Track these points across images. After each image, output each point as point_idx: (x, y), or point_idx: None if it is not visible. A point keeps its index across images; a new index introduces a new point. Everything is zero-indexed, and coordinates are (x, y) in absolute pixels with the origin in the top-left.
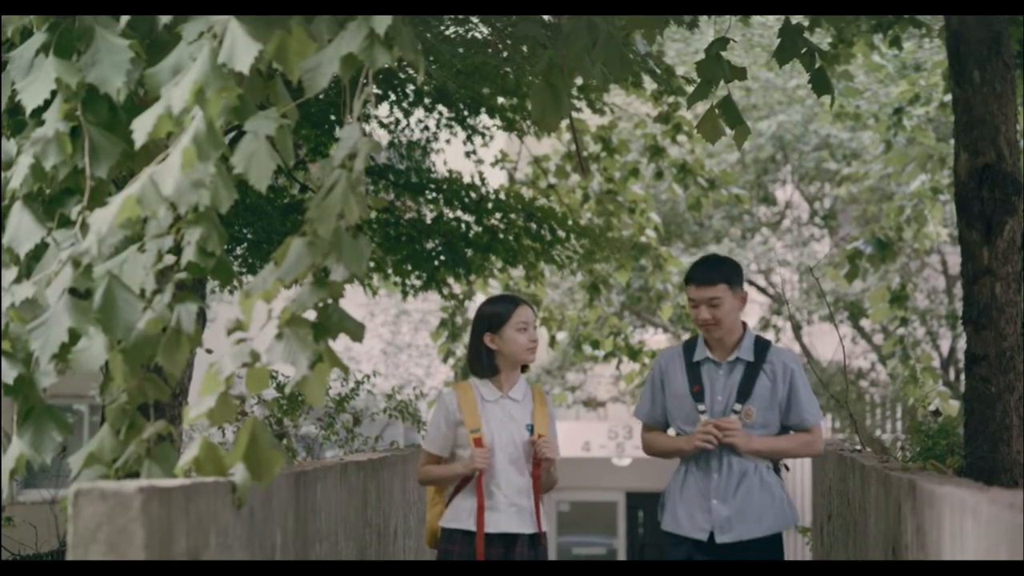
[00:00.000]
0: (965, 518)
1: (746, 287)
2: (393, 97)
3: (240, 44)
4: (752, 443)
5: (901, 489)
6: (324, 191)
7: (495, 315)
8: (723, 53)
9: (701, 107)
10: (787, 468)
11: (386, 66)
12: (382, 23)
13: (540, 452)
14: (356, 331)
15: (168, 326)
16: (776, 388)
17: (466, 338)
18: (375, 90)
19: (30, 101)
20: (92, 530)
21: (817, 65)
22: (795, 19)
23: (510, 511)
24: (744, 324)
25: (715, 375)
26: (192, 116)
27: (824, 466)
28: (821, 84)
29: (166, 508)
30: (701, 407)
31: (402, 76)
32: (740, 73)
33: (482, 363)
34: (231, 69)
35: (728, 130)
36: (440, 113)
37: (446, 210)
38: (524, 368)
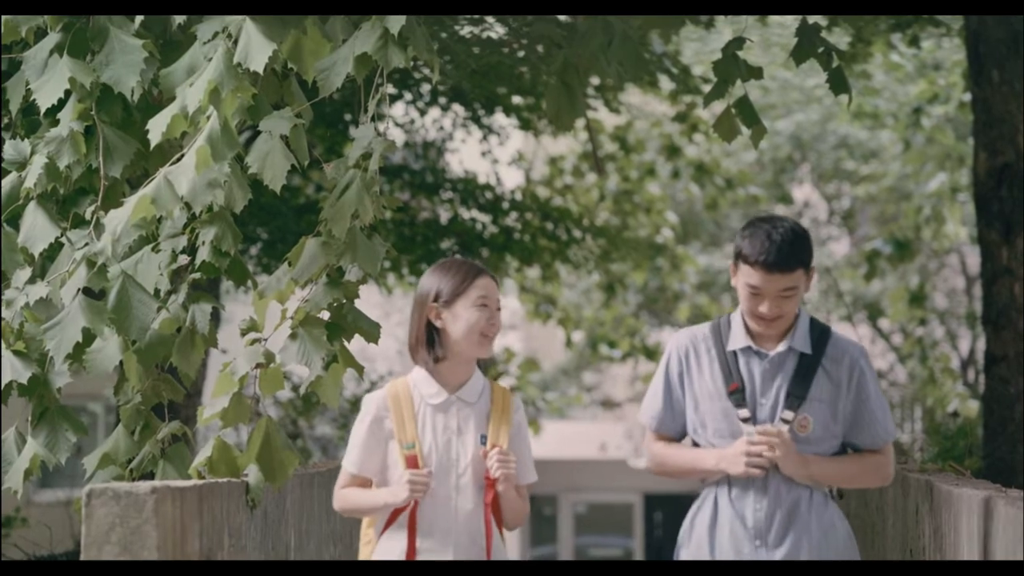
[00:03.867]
0: (983, 519)
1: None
2: (409, 97)
3: (255, 44)
4: (809, 466)
5: (919, 490)
6: (338, 191)
7: (446, 283)
8: (740, 53)
9: (718, 106)
10: (841, 496)
11: (400, 66)
12: (396, 23)
13: (491, 469)
14: (371, 331)
15: (183, 326)
16: (841, 392)
17: None
18: (391, 90)
19: (44, 101)
20: (105, 531)
21: (835, 65)
22: (813, 19)
23: (454, 556)
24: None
25: (758, 370)
26: (207, 116)
27: None
28: (838, 84)
29: (179, 509)
30: (743, 413)
31: (417, 76)
32: (757, 72)
33: (422, 345)
34: (246, 69)
35: (745, 130)
36: (456, 113)
37: (462, 210)
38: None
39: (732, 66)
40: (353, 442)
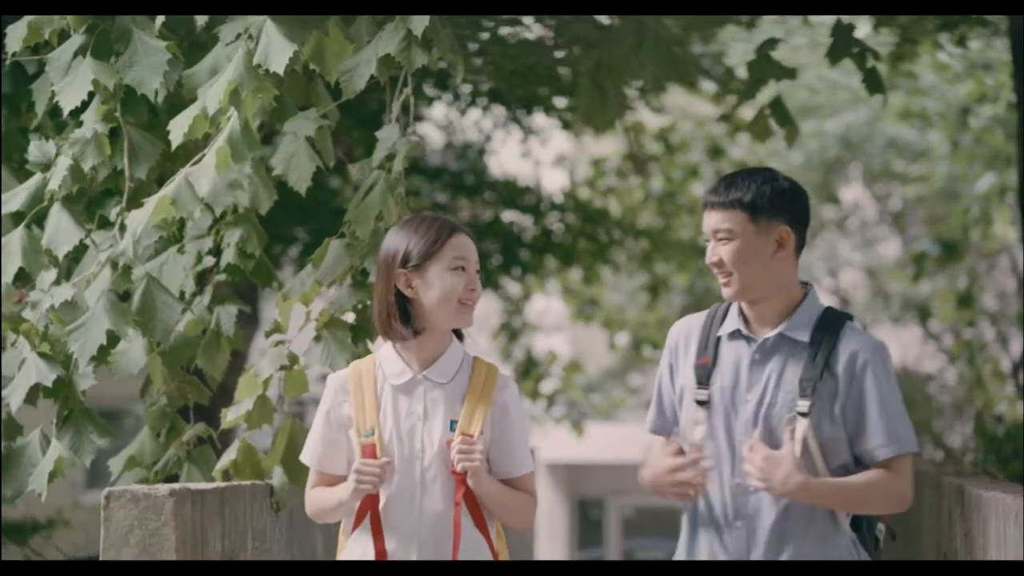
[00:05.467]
0: (1008, 523)
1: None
2: (451, 98)
3: (275, 45)
4: (809, 489)
5: (951, 494)
6: (362, 192)
7: (415, 244)
8: (774, 54)
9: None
10: (893, 535)
11: (429, 67)
12: (420, 24)
13: (455, 460)
14: None
15: (208, 328)
16: (839, 391)
17: (525, 339)
18: (429, 91)
19: (67, 103)
20: (124, 533)
21: (869, 65)
22: (848, 19)
23: (419, 560)
24: (807, 286)
25: (746, 359)
26: (227, 117)
27: None
28: (873, 84)
29: (199, 511)
30: (701, 394)
31: (457, 78)
32: (790, 73)
33: (395, 318)
34: (267, 70)
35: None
36: (495, 114)
37: (503, 211)
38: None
39: (765, 67)
40: (311, 434)
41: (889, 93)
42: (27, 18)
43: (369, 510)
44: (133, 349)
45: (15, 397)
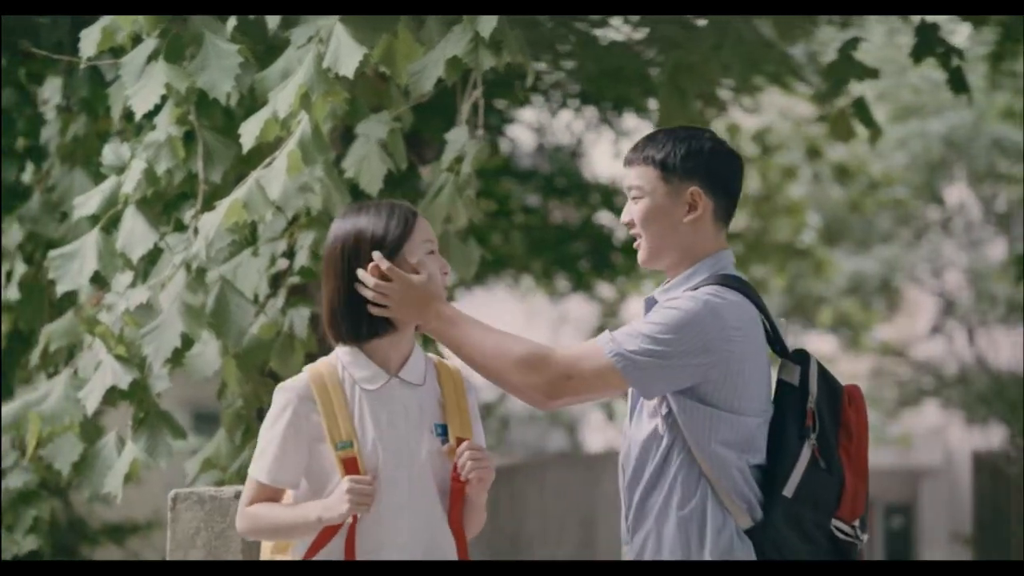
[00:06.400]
0: None
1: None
2: (542, 101)
3: (345, 48)
4: (437, 313)
5: None
6: (431, 194)
7: (384, 229)
8: (875, 53)
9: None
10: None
11: (513, 68)
12: (487, 25)
13: (463, 470)
14: None
15: (281, 330)
16: None
17: None
18: (524, 94)
19: (140, 106)
20: (191, 535)
21: (954, 65)
22: (946, 19)
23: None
24: (723, 255)
25: None
26: (298, 120)
27: (980, 478)
28: (958, 84)
29: None
30: None
31: (547, 80)
32: (872, 73)
33: (358, 317)
34: (336, 73)
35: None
36: (585, 116)
37: (595, 214)
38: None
39: (847, 67)
40: (265, 445)
41: (992, 93)
42: (102, 20)
43: (341, 533)
44: (207, 352)
45: (91, 399)
